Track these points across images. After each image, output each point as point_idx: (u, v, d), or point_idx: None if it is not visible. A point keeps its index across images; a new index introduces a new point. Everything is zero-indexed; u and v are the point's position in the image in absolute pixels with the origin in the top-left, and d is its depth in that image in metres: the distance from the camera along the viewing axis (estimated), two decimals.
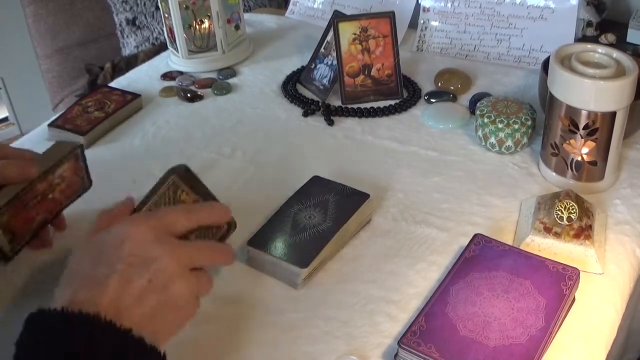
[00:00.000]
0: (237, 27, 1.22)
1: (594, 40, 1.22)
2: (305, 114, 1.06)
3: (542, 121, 0.90)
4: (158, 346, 0.55)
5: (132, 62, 1.73)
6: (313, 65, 1.13)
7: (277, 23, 1.38)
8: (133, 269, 0.56)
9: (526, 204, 0.84)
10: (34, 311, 0.54)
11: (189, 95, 1.12)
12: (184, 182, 0.68)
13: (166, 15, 1.17)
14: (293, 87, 1.13)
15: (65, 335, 0.51)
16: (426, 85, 1.11)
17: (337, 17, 1.07)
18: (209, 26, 1.17)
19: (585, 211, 0.77)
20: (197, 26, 1.16)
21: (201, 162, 0.96)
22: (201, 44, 1.19)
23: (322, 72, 1.11)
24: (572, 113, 0.82)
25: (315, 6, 1.38)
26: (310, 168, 0.91)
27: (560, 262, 0.71)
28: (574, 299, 0.70)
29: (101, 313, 0.52)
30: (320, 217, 0.79)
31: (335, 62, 1.08)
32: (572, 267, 0.70)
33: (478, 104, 0.96)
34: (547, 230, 0.76)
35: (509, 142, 0.92)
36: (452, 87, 1.09)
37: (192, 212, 0.64)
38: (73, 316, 0.52)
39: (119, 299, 0.54)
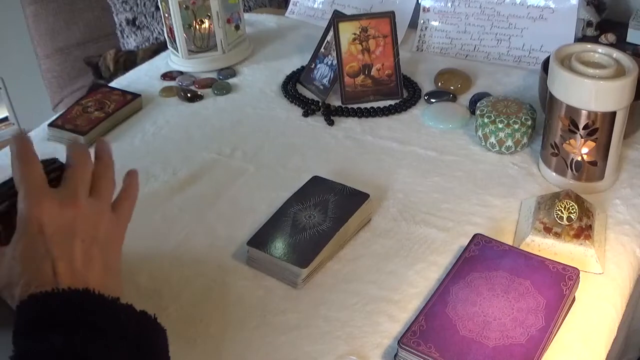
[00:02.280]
0: (237, 27, 1.22)
1: (594, 40, 1.22)
2: (305, 114, 1.06)
3: (542, 121, 0.90)
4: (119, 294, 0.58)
5: (131, 58, 1.73)
6: (313, 65, 1.13)
7: (277, 23, 1.38)
8: (64, 244, 0.58)
9: (526, 204, 0.84)
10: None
11: (189, 95, 1.12)
12: None
13: (166, 15, 1.17)
14: (293, 87, 1.13)
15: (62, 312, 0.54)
16: (426, 85, 1.11)
17: (337, 17, 1.07)
18: (209, 26, 1.17)
19: (585, 211, 0.77)
20: (197, 26, 1.16)
21: (201, 162, 0.96)
22: (201, 44, 1.19)
23: (322, 72, 1.11)
24: (572, 113, 0.82)
25: (315, 6, 1.38)
26: (310, 168, 0.91)
27: (560, 262, 0.71)
28: (574, 299, 0.70)
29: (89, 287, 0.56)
30: (320, 217, 0.79)
31: (335, 62, 1.08)
32: (572, 267, 0.70)
33: (478, 104, 0.96)
34: (547, 230, 0.76)
35: (509, 142, 0.92)
36: (452, 87, 1.09)
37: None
38: (66, 294, 0.55)
39: (75, 274, 0.57)
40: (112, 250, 0.62)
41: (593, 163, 0.84)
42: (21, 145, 0.62)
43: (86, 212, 0.61)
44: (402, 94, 1.09)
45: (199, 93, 1.13)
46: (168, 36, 1.21)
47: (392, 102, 1.07)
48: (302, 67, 1.17)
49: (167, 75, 1.19)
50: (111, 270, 0.61)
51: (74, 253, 0.58)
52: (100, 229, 0.61)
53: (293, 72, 1.17)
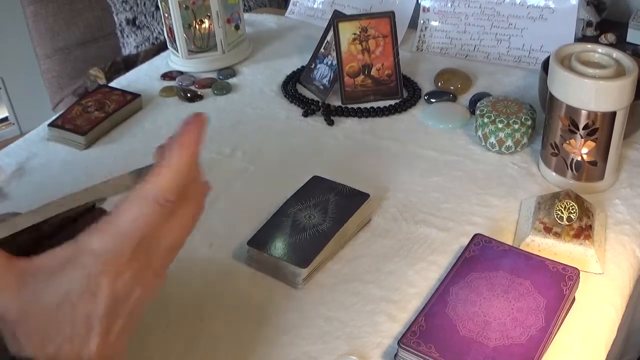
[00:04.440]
0: (237, 27, 1.22)
1: (594, 40, 1.22)
2: (305, 114, 1.06)
3: (542, 121, 0.90)
4: None
5: (131, 59, 1.73)
6: (313, 65, 1.13)
7: (277, 23, 1.38)
8: (112, 317, 0.51)
9: (526, 204, 0.84)
10: None
11: (189, 95, 1.12)
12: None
13: (166, 15, 1.17)
14: (293, 87, 1.13)
15: None
16: (426, 85, 1.11)
17: (337, 17, 1.07)
18: (209, 26, 1.17)
19: (585, 211, 0.77)
20: (197, 26, 1.16)
21: (201, 162, 0.96)
22: (201, 44, 1.18)
23: (322, 72, 1.11)
24: (572, 113, 0.82)
25: (315, 6, 1.38)
26: (310, 168, 0.91)
27: (560, 262, 0.71)
28: (573, 299, 0.70)
29: None
30: (320, 217, 0.79)
31: (335, 62, 1.08)
32: (572, 267, 0.70)
33: (478, 104, 0.96)
34: (547, 230, 0.76)
35: (509, 142, 0.92)
36: (452, 87, 1.09)
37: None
38: None
39: (105, 345, 0.51)
40: (136, 318, 0.54)
41: (593, 163, 0.84)
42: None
43: (148, 286, 0.53)
44: (402, 94, 1.09)
45: (198, 93, 1.13)
46: (168, 36, 1.20)
47: (392, 102, 1.06)
48: (302, 67, 1.17)
49: (167, 75, 1.19)
50: (128, 335, 0.54)
51: (113, 328, 0.51)
52: (140, 305, 0.53)
53: (293, 72, 1.17)
